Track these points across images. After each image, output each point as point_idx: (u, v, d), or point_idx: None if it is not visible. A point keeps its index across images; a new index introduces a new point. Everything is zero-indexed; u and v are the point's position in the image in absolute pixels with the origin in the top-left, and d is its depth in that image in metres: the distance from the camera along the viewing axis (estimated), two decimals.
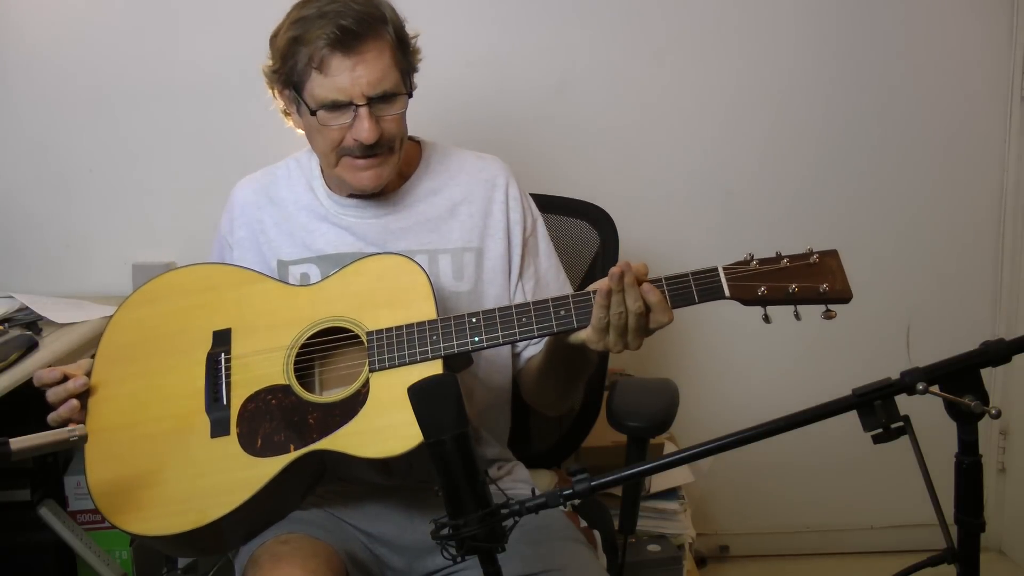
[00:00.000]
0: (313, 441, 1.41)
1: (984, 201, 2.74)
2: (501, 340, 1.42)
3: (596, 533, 1.86)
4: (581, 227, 1.99)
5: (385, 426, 1.39)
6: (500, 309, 1.43)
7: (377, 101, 1.51)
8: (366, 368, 1.44)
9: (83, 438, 1.30)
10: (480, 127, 2.48)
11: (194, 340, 1.53)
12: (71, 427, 1.30)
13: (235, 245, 1.70)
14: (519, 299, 1.66)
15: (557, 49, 2.55)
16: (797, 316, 1.34)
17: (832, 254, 1.35)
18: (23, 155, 2.49)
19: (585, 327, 1.39)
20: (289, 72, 1.53)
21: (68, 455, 2.33)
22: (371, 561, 1.55)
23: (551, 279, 1.71)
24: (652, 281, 1.36)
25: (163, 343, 1.54)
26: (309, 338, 1.50)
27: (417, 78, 1.61)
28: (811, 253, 1.35)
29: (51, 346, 2.05)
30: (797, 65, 2.62)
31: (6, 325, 2.08)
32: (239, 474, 1.41)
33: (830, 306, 1.32)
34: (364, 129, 1.50)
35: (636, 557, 2.23)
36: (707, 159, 2.64)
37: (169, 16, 2.45)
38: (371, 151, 1.54)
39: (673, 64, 2.59)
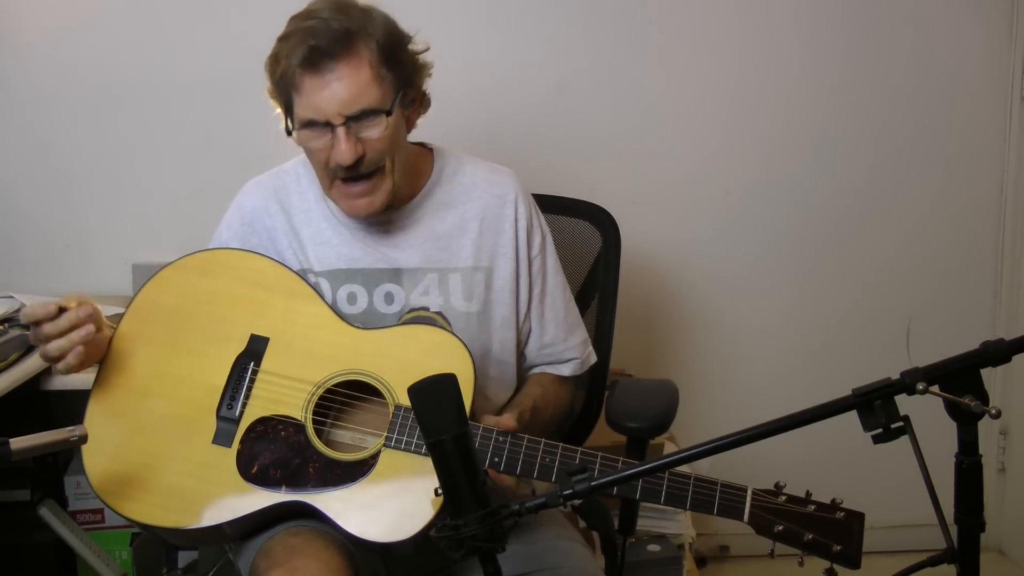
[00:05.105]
0: (305, 491, 1.41)
1: (984, 201, 2.74)
2: (518, 472, 1.41)
3: (595, 534, 1.86)
4: (583, 227, 1.98)
5: (376, 506, 1.40)
6: (529, 440, 1.41)
7: (356, 120, 1.46)
8: (382, 440, 1.44)
9: (83, 438, 1.29)
10: (481, 127, 2.48)
11: (231, 334, 1.51)
12: (71, 427, 1.29)
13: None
14: (523, 317, 1.66)
15: (558, 49, 2.55)
16: (800, 563, 1.32)
17: (858, 517, 1.32)
18: (23, 155, 2.48)
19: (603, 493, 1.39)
20: (279, 91, 1.51)
21: (68, 455, 2.33)
22: (374, 560, 1.55)
23: (557, 296, 1.71)
24: (682, 477, 1.35)
25: (200, 322, 1.52)
26: (339, 384, 1.49)
27: None
28: (838, 508, 1.32)
29: None
30: (797, 65, 2.62)
31: (6, 325, 2.08)
32: (226, 493, 1.42)
33: (835, 566, 1.27)
34: (341, 151, 1.46)
35: (636, 557, 2.23)
36: (708, 159, 2.65)
37: (169, 16, 2.44)
38: (356, 172, 1.49)
39: (674, 64, 2.59)
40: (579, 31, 2.55)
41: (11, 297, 2.26)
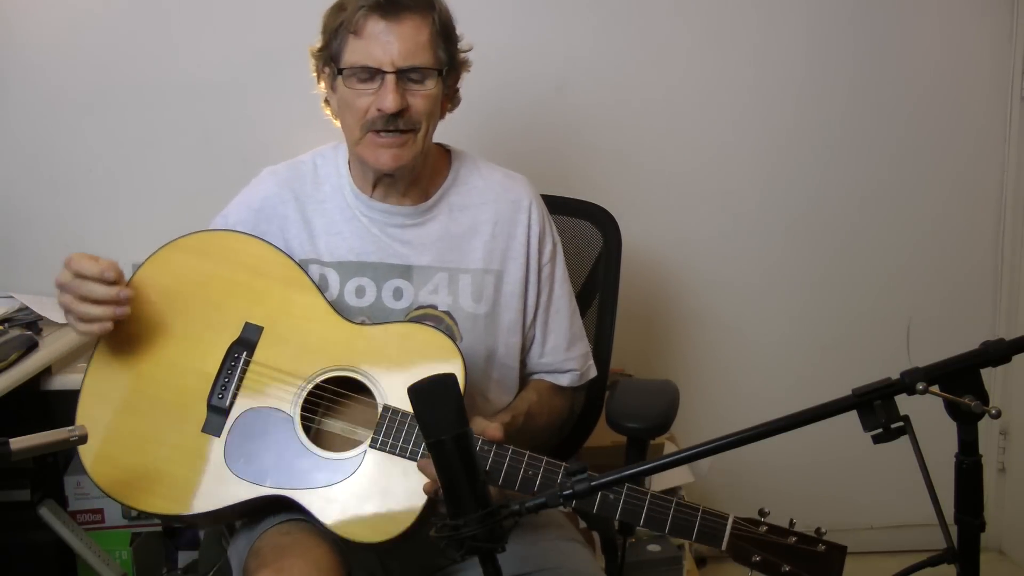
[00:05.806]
0: (290, 486, 1.42)
1: (984, 201, 2.74)
2: (499, 483, 1.39)
3: (595, 534, 1.85)
4: (584, 227, 1.98)
5: (358, 506, 1.40)
6: (514, 450, 1.40)
7: (407, 75, 1.50)
8: (368, 440, 1.44)
9: (83, 438, 1.29)
10: (481, 127, 2.48)
11: (226, 321, 1.52)
12: (71, 427, 1.29)
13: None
14: (529, 323, 1.67)
15: (559, 48, 2.54)
16: None
17: (840, 550, 1.28)
18: (23, 155, 2.48)
19: (581, 510, 1.37)
20: (330, 46, 1.53)
21: (68, 455, 2.33)
22: (370, 560, 1.55)
23: (562, 307, 1.70)
24: (664, 501, 1.32)
25: (197, 306, 1.53)
26: (329, 379, 1.49)
27: None
28: (820, 540, 1.28)
29: (51, 346, 2.05)
30: (797, 65, 2.62)
31: (6, 325, 2.08)
32: (212, 483, 1.43)
33: None
34: (387, 99, 1.48)
35: (636, 557, 2.23)
36: (709, 159, 2.64)
37: (169, 16, 2.44)
38: (393, 125, 1.51)
39: (675, 64, 2.59)
40: (581, 30, 2.54)
41: (11, 297, 2.26)
